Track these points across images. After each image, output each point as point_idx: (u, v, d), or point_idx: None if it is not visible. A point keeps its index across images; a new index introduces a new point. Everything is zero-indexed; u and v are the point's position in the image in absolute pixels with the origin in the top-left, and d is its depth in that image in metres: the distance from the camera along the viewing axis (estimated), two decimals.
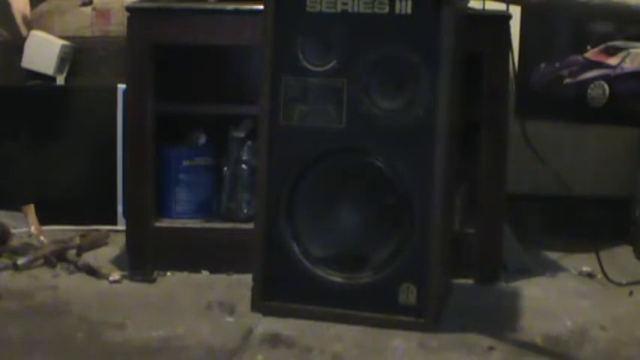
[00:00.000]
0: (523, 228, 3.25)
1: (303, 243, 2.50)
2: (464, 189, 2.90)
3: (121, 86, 3.28)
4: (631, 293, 2.80)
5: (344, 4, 2.44)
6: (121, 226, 3.21)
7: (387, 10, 2.43)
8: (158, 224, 2.94)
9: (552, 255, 3.16)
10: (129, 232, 2.92)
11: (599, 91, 3.17)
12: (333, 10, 2.45)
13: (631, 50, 3.16)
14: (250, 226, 2.66)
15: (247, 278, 2.56)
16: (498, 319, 2.53)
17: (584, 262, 3.03)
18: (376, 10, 2.43)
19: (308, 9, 2.47)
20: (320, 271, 2.49)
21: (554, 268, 3.03)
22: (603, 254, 2.96)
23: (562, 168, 3.08)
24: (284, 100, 2.48)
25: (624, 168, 3.44)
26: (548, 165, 2.98)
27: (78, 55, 3.53)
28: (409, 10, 2.42)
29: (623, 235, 3.32)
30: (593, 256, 2.93)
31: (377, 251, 2.46)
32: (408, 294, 2.42)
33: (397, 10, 2.42)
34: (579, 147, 3.43)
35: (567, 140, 3.38)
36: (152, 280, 2.81)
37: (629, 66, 3.17)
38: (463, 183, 2.88)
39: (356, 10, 2.44)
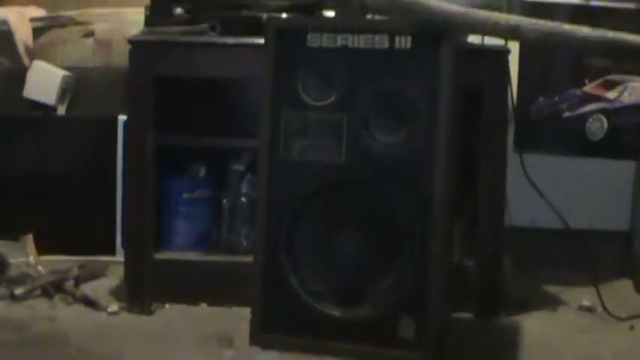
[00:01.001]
0: (522, 261, 3.25)
1: (302, 276, 2.51)
2: (463, 222, 2.90)
3: (122, 117, 3.29)
4: (632, 327, 2.79)
5: (344, 39, 2.46)
6: (120, 257, 3.20)
7: (386, 45, 2.44)
8: (157, 256, 2.94)
9: (552, 288, 3.16)
10: (127, 264, 2.92)
11: (598, 125, 3.17)
12: (333, 45, 2.47)
13: (629, 84, 3.17)
14: (249, 258, 2.66)
15: (246, 311, 2.56)
16: (498, 354, 2.53)
17: (584, 296, 3.03)
18: (376, 45, 2.44)
19: (308, 44, 2.49)
20: (319, 305, 2.49)
21: (553, 302, 3.03)
22: (603, 288, 2.96)
23: (561, 201, 3.08)
24: (284, 134, 2.49)
25: (623, 201, 3.44)
26: (546, 198, 2.98)
27: (79, 85, 3.54)
28: (409, 46, 2.43)
29: (623, 268, 3.32)
30: (592, 289, 2.93)
31: (376, 284, 2.47)
32: (407, 328, 2.42)
33: (397, 46, 2.44)
34: (578, 180, 3.43)
35: (566, 173, 3.38)
36: (150, 312, 2.81)
37: (627, 99, 3.17)
38: (462, 215, 2.88)
39: (356, 45, 2.45)
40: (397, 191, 2.43)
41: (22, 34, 3.60)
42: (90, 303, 2.85)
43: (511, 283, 2.97)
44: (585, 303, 2.99)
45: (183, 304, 2.88)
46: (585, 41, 2.39)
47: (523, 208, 3.22)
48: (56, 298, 2.91)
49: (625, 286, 3.24)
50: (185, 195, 3.03)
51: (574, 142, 3.20)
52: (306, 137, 2.48)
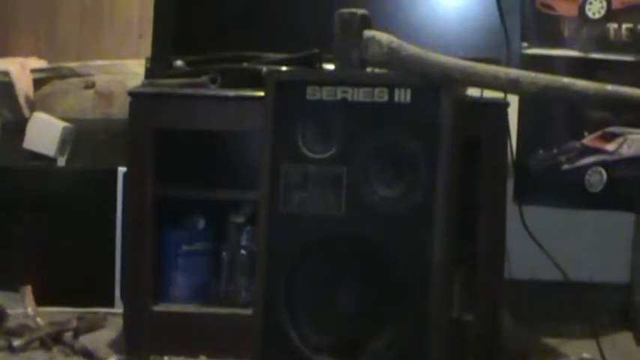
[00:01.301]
0: (522, 313, 3.24)
1: (302, 329, 2.49)
2: (462, 274, 2.90)
3: (122, 169, 3.29)
4: None
5: (344, 92, 2.47)
6: (119, 309, 3.20)
7: (386, 98, 2.45)
8: (156, 308, 2.93)
9: (552, 341, 3.15)
10: (126, 316, 2.92)
11: (597, 177, 3.18)
12: (333, 98, 2.47)
13: (628, 136, 3.18)
14: (249, 311, 2.65)
15: None
16: None
17: (585, 349, 3.02)
18: (376, 98, 2.45)
19: (308, 97, 2.49)
20: (318, 358, 2.48)
21: (554, 355, 3.02)
22: (603, 340, 2.95)
23: (561, 253, 3.07)
24: (284, 187, 2.49)
25: (623, 253, 3.44)
26: (546, 250, 2.98)
27: (79, 137, 3.55)
28: (408, 99, 2.44)
29: (623, 321, 3.31)
30: (593, 342, 2.92)
31: (375, 338, 2.46)
32: None
33: (396, 99, 2.44)
34: (578, 232, 3.43)
35: (566, 225, 3.38)
36: None
37: (626, 151, 3.18)
38: (461, 268, 2.88)
39: (356, 98, 2.46)
40: (396, 244, 2.42)
41: (23, 86, 3.61)
42: (88, 355, 2.84)
43: (511, 336, 2.96)
44: (586, 356, 2.98)
45: (182, 356, 2.86)
46: (584, 94, 2.41)
47: (523, 260, 3.22)
48: (55, 349, 2.90)
49: (625, 338, 3.23)
50: (184, 247, 3.03)
51: (573, 194, 3.20)
52: (305, 190, 2.48)
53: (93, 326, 3.12)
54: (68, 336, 2.98)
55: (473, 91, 2.89)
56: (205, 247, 3.05)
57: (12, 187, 3.50)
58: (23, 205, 3.48)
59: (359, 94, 2.46)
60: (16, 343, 2.87)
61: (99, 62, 3.65)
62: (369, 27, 2.49)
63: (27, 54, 3.81)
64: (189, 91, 2.89)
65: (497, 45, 3.03)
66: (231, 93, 2.87)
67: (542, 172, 3.21)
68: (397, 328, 2.44)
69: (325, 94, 2.48)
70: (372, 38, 2.46)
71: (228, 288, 3.00)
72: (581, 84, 2.38)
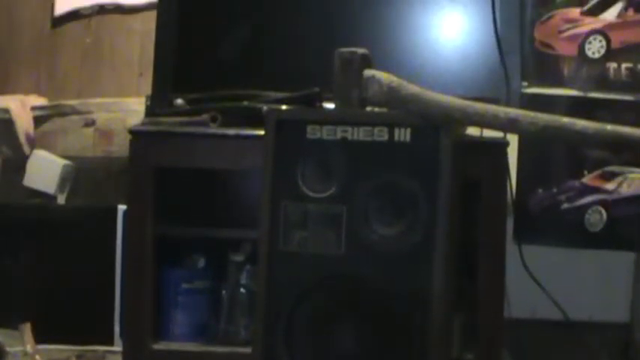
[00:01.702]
0: (522, 353, 3.23)
1: None
2: (462, 314, 2.89)
3: (122, 207, 3.29)
4: None
5: (344, 131, 2.46)
6: (118, 347, 3.19)
7: (386, 137, 2.45)
8: (155, 346, 2.92)
9: None
10: (126, 354, 2.90)
11: (597, 216, 3.18)
12: (333, 137, 2.47)
13: (628, 175, 3.18)
14: (248, 350, 2.63)
15: None
16: None
17: None
18: (376, 137, 2.45)
19: (308, 135, 2.49)
20: None
21: None
22: None
23: (560, 292, 3.07)
24: (283, 225, 2.48)
25: (623, 292, 3.43)
26: (546, 290, 2.98)
27: (79, 174, 3.56)
28: (408, 138, 2.44)
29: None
30: None
31: None
32: None
33: (396, 138, 2.44)
34: (578, 272, 3.42)
35: (565, 265, 3.37)
36: None
37: (626, 191, 3.18)
38: (461, 307, 2.87)
39: (356, 137, 2.46)
40: (396, 283, 2.42)
41: (23, 123, 3.62)
42: None
43: None
44: None
45: None
46: (583, 134, 2.41)
47: (522, 299, 3.22)
48: None
49: None
50: (184, 285, 3.02)
51: (573, 233, 3.20)
52: (305, 229, 2.47)
53: None
54: None
55: (472, 131, 2.90)
56: (205, 286, 3.04)
57: (12, 224, 3.50)
58: (23, 242, 3.47)
59: (359, 133, 2.46)
60: None
61: (99, 100, 3.67)
62: (370, 66, 2.49)
63: (27, 91, 3.82)
64: (189, 129, 2.90)
65: (497, 84, 3.04)
66: (231, 132, 2.87)
67: (541, 211, 3.21)
68: None
69: (325, 133, 2.48)
70: (372, 77, 2.47)
71: (227, 327, 2.99)
72: (581, 123, 2.38)
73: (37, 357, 3.13)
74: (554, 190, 3.20)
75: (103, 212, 3.41)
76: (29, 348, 3.22)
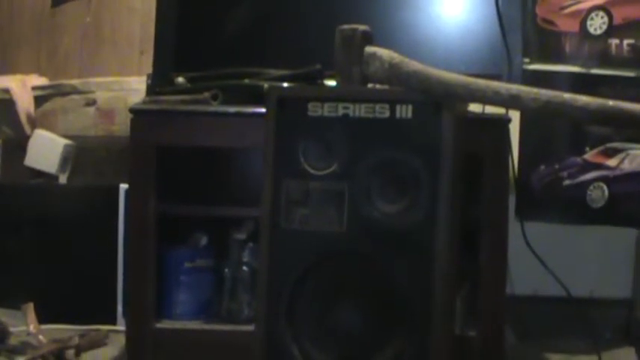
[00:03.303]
0: (524, 330, 3.23)
1: (303, 346, 2.48)
2: (464, 291, 2.89)
3: (123, 186, 3.30)
4: None
5: (345, 108, 2.46)
6: (121, 326, 3.20)
7: (387, 114, 2.44)
8: (158, 325, 2.92)
9: (554, 357, 3.14)
10: (128, 333, 2.90)
11: (599, 193, 3.18)
12: (334, 114, 2.47)
13: (630, 151, 3.18)
14: (251, 327, 2.64)
15: None
16: None
17: None
18: (377, 114, 2.44)
19: (309, 113, 2.49)
20: None
21: None
22: (605, 356, 2.94)
23: (563, 269, 3.07)
24: (285, 203, 2.48)
25: (625, 269, 3.44)
26: (548, 266, 2.97)
27: (80, 154, 3.55)
28: (410, 115, 2.43)
29: (625, 336, 3.31)
30: (595, 357, 2.91)
31: (377, 355, 2.45)
32: None
33: (398, 115, 2.44)
34: (579, 248, 3.43)
35: (567, 241, 3.38)
36: None
37: (628, 167, 3.18)
38: (463, 285, 2.87)
39: (357, 114, 2.45)
40: (398, 261, 2.42)
41: (24, 103, 3.62)
42: None
43: (513, 353, 2.95)
44: None
45: None
46: (585, 110, 2.40)
47: (525, 276, 3.22)
48: None
49: (628, 354, 3.23)
50: (186, 264, 3.02)
51: (575, 210, 3.20)
52: (307, 206, 2.47)
53: (95, 344, 3.12)
54: (70, 353, 2.98)
55: (474, 107, 2.89)
56: (207, 264, 3.05)
57: (13, 205, 3.50)
58: (25, 222, 3.48)
59: (360, 110, 2.45)
60: None
61: (100, 79, 3.66)
62: (371, 43, 2.49)
63: (28, 71, 3.82)
64: (190, 107, 2.89)
65: (499, 61, 3.04)
66: (232, 109, 2.87)
67: (543, 188, 3.21)
68: (399, 345, 2.43)
69: (327, 110, 2.47)
70: (374, 54, 2.46)
71: (230, 305, 2.99)
72: (583, 100, 2.37)
73: (40, 337, 3.14)
74: (556, 166, 3.20)
75: (105, 191, 3.41)
76: (32, 328, 3.23)
